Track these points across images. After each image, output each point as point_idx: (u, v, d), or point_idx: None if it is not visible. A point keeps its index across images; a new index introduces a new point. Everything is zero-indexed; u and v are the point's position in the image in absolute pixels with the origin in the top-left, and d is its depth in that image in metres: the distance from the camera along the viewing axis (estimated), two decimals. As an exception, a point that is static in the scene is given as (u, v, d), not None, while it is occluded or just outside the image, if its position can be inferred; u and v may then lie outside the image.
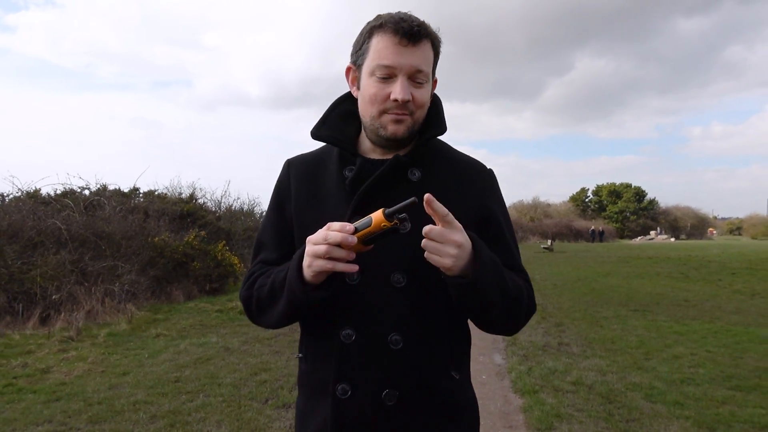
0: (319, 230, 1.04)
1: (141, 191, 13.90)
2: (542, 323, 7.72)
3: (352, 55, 1.22)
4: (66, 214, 9.17)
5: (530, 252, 27.05)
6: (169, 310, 8.60)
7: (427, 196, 0.99)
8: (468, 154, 1.33)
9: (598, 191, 70.95)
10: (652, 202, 68.89)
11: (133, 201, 12.61)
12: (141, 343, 6.33)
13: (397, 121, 1.15)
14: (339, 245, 1.00)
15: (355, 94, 1.24)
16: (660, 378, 5.02)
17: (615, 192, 68.79)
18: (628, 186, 69.11)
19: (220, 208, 16.67)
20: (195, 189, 15.58)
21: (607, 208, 67.59)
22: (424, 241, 1.02)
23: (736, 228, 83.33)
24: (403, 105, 1.13)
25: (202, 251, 10.63)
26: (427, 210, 1.00)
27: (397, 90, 1.12)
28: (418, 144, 1.21)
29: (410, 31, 1.11)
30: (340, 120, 1.27)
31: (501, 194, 1.31)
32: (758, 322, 8.07)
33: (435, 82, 1.25)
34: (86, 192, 12.33)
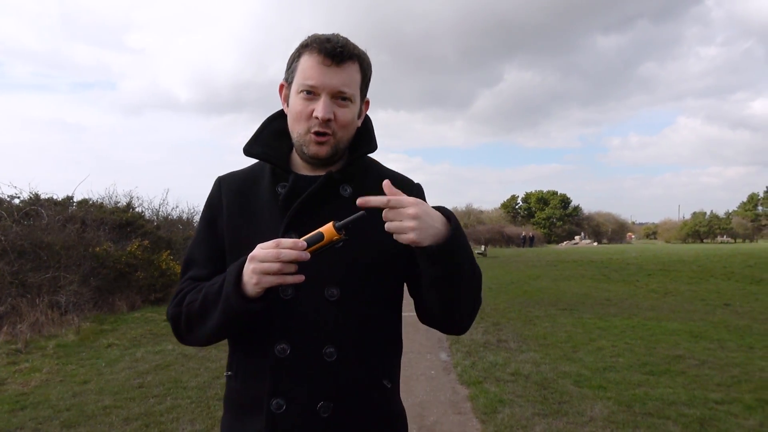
0: (266, 248, 1.04)
1: (75, 200, 13.54)
2: (481, 323, 8.30)
3: (285, 72, 1.26)
4: (1, 225, 8.89)
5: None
6: (114, 321, 8.54)
7: (360, 199, 1.03)
8: (396, 170, 1.37)
9: (527, 198, 74.23)
10: (577, 208, 72.82)
11: (69, 210, 12.27)
12: (94, 353, 6.34)
13: (319, 143, 1.19)
14: (292, 262, 1.03)
15: (286, 111, 1.27)
16: (586, 367, 5.66)
17: (543, 199, 72.22)
18: (555, 193, 72.74)
19: (158, 217, 16.40)
20: (132, 198, 15.29)
21: (536, 215, 70.85)
22: (386, 224, 1.04)
23: (652, 232, 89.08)
24: (324, 123, 1.17)
25: (146, 261, 10.54)
26: (367, 207, 1.03)
27: (319, 108, 1.16)
28: (348, 161, 1.26)
29: (333, 52, 1.15)
30: (272, 137, 1.29)
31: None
32: (669, 317, 9.03)
33: (367, 103, 1.30)
34: (16, 201, 11.92)
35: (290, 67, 1.23)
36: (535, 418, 4.13)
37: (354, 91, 1.20)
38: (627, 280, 15.62)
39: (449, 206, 1.16)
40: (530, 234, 54.06)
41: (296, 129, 1.21)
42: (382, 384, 1.23)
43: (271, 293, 1.09)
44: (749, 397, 4.64)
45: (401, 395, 1.35)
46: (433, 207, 1.08)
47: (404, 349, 1.37)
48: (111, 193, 14.96)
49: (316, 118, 1.16)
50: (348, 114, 1.20)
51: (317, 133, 1.18)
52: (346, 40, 1.19)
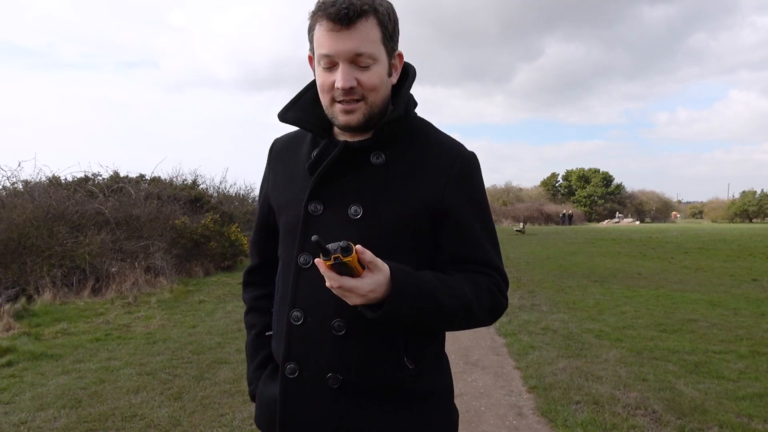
0: None
1: (147, 177, 15.07)
2: (518, 290, 9.27)
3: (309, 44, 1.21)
4: (101, 199, 10.33)
5: (503, 235, 28.79)
6: (196, 283, 9.88)
7: (357, 247, 0.98)
8: (450, 135, 1.26)
9: (567, 176, 73.54)
10: (619, 186, 71.80)
11: (141, 187, 13.76)
12: (190, 307, 7.64)
13: (347, 112, 1.14)
14: None
15: None
16: (608, 325, 6.58)
17: (584, 177, 71.46)
18: (596, 171, 71.82)
19: (218, 193, 17.88)
20: (197, 176, 16.79)
21: (576, 193, 70.24)
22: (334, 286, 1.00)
23: (698, 212, 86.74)
24: (349, 92, 1.11)
25: (217, 232, 11.88)
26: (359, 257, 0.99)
27: (339, 78, 1.10)
28: (379, 127, 1.17)
29: (338, 15, 1.07)
30: (312, 102, 1.24)
31: (477, 181, 1.24)
32: (694, 289, 9.76)
33: (400, 56, 1.21)
34: (99, 178, 13.49)
35: (309, 38, 1.17)
36: (559, 359, 5.12)
37: (373, 49, 1.11)
38: (662, 258, 16.15)
39: (488, 184, 1.29)
40: (569, 212, 54.06)
41: (323, 101, 1.17)
42: (402, 363, 1.17)
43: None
44: (745, 349, 5.49)
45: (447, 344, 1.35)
46: (394, 270, 1.05)
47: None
48: (178, 171, 16.45)
49: (338, 88, 1.11)
50: (374, 76, 1.12)
51: (343, 102, 1.13)
52: None
